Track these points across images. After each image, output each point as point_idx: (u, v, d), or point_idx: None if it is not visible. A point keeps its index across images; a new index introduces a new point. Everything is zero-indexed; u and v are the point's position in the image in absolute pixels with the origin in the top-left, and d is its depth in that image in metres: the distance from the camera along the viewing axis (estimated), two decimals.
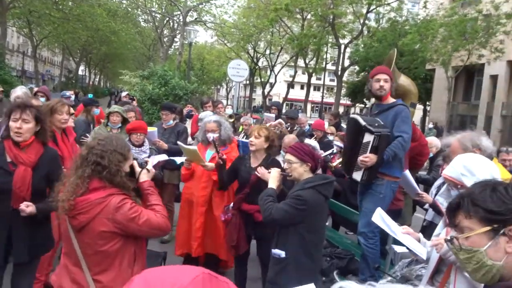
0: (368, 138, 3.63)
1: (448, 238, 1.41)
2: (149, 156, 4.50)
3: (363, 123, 3.63)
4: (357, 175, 3.78)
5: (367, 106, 36.56)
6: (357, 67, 33.27)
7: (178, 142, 4.27)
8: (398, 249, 2.79)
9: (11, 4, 23.46)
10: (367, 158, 3.61)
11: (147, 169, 2.44)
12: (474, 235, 1.29)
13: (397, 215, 4.33)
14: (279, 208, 2.80)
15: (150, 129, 5.18)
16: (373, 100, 4.34)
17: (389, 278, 2.93)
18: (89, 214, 2.12)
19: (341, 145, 5.56)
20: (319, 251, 3.11)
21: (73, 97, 9.34)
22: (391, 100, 3.88)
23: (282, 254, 2.86)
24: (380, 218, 2.40)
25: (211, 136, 4.19)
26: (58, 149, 3.59)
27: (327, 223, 5.41)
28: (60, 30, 29.32)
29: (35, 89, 7.39)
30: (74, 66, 46.48)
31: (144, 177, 2.41)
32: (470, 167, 2.12)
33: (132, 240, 2.24)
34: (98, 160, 2.16)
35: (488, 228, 1.27)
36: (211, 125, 4.24)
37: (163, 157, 4.35)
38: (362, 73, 31.15)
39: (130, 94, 11.13)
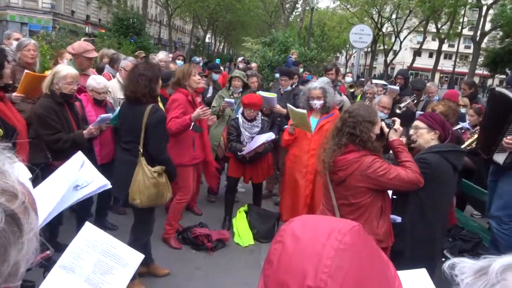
0: None
1: None
2: (261, 129, 4.65)
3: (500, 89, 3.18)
4: (499, 157, 3.36)
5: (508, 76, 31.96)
6: (501, 32, 29.03)
7: (288, 105, 4.24)
8: None
9: None
10: None
11: (395, 129, 2.70)
12: None
13: None
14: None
15: (270, 95, 5.33)
16: None
17: None
18: (347, 171, 2.53)
19: (469, 127, 5.00)
20: (440, 223, 2.92)
21: (201, 63, 10.00)
22: None
23: (398, 219, 2.79)
24: None
25: (316, 103, 4.14)
26: (194, 110, 3.92)
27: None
28: None
29: (170, 55, 8.11)
30: (202, 34, 49.56)
31: (393, 136, 2.70)
32: None
33: (381, 196, 2.61)
34: (351, 131, 2.54)
35: None
36: (316, 91, 4.16)
37: (270, 136, 4.48)
38: (507, 39, 27.12)
39: (245, 58, 11.49)
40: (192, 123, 3.91)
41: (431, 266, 1.84)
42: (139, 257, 1.44)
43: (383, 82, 7.01)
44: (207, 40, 51.78)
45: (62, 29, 24.51)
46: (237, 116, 4.76)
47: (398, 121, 2.76)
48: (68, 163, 1.85)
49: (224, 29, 48.53)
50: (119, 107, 3.81)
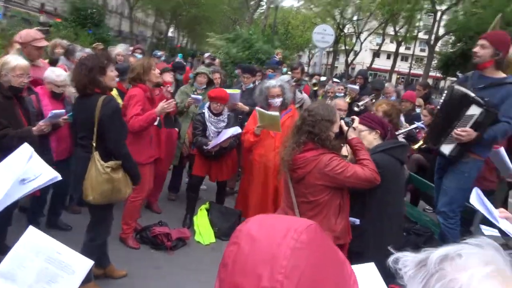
0: (474, 111, 3.27)
1: None
2: (227, 124, 4.62)
3: (472, 94, 3.28)
4: (446, 149, 3.49)
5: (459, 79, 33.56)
6: (453, 37, 30.43)
7: (257, 108, 4.24)
8: (485, 230, 2.60)
9: None
10: (465, 132, 3.29)
11: (354, 127, 2.75)
12: None
13: (486, 196, 4.02)
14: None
15: (233, 91, 5.29)
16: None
17: None
18: (305, 169, 2.57)
19: (423, 126, 5.20)
20: (397, 219, 3.01)
21: (163, 57, 9.78)
22: (495, 73, 3.40)
23: (357, 221, 2.85)
24: (478, 199, 2.20)
25: (276, 101, 4.16)
26: (153, 106, 3.84)
27: (405, 198, 5.22)
28: None
29: (130, 48, 7.89)
30: (165, 28, 48.56)
31: (352, 134, 2.74)
32: None
33: (339, 194, 2.67)
34: (310, 130, 2.59)
35: None
36: (276, 90, 4.19)
37: (237, 130, 4.44)
38: (459, 44, 28.44)
39: (211, 54, 11.38)
40: (158, 118, 3.81)
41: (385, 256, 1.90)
42: (88, 263, 1.35)
43: (355, 87, 7.14)
44: (170, 34, 50.82)
45: (14, 17, 23.28)
46: (203, 110, 4.70)
47: (357, 119, 2.82)
48: (14, 155, 1.72)
49: (188, 23, 47.76)
50: None
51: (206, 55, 10.52)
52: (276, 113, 4.06)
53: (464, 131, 3.30)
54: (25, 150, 1.75)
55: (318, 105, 2.79)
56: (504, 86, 3.32)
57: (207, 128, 4.62)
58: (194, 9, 36.86)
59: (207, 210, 4.77)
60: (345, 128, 2.73)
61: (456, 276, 0.67)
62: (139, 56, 7.16)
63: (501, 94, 3.30)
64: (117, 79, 3.31)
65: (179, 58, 8.06)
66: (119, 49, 6.84)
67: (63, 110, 3.56)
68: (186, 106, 5.13)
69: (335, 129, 2.66)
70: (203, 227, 4.56)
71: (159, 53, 9.73)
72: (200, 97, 5.12)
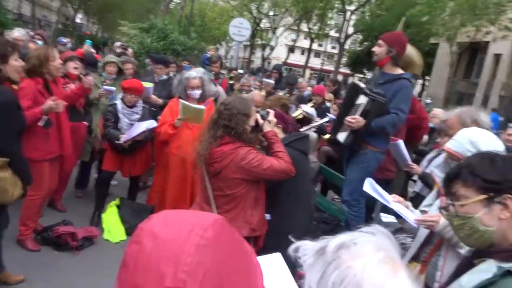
0: (362, 100, 3.57)
1: (443, 205, 1.48)
2: (142, 117, 4.43)
3: (362, 85, 3.59)
4: (341, 136, 3.75)
5: (366, 76, 36.17)
6: (361, 36, 32.63)
7: (181, 101, 4.05)
8: (384, 218, 2.81)
9: None
10: (354, 119, 3.56)
11: (269, 120, 2.76)
12: (470, 203, 1.36)
13: (385, 185, 4.35)
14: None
15: (146, 84, 5.06)
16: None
17: None
18: (222, 163, 2.58)
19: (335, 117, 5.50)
20: (306, 210, 3.11)
21: (69, 44, 9.08)
22: (393, 69, 3.71)
23: (267, 216, 2.89)
24: (371, 187, 2.40)
25: (196, 93, 4.09)
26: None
27: (316, 189, 5.48)
28: None
29: (31, 33, 7.19)
30: (72, 14, 45.12)
31: (267, 127, 2.76)
32: (477, 142, 2.04)
33: (255, 187, 2.69)
34: (226, 123, 2.59)
35: (484, 196, 1.34)
36: (196, 81, 4.12)
37: (152, 123, 4.27)
38: (366, 43, 30.57)
39: (123, 44, 10.84)
40: (44, 118, 3.40)
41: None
42: None
43: (270, 81, 7.25)
44: (78, 20, 47.39)
45: None
46: (115, 102, 4.44)
47: (272, 112, 2.86)
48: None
49: (98, 10, 44.97)
50: None
51: (118, 44, 9.98)
52: (202, 107, 3.97)
53: (353, 119, 3.57)
54: None
55: (234, 98, 2.80)
56: (398, 81, 3.63)
57: (120, 120, 4.38)
58: None
59: (118, 206, 4.54)
60: (261, 121, 2.75)
61: (352, 263, 0.70)
62: (40, 42, 6.55)
63: (394, 89, 3.61)
64: None
65: (87, 45, 7.45)
66: (17, 33, 6.18)
67: None
68: (96, 98, 4.80)
69: (251, 122, 2.68)
70: (112, 225, 4.33)
71: (64, 40, 8.98)
72: (113, 88, 4.83)
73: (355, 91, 3.64)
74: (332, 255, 0.73)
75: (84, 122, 4.66)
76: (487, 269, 1.28)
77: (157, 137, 4.37)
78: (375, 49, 3.71)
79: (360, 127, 3.57)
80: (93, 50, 7.57)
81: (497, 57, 24.37)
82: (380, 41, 3.69)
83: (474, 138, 2.08)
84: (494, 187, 1.32)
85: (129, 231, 4.35)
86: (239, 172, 2.58)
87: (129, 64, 5.82)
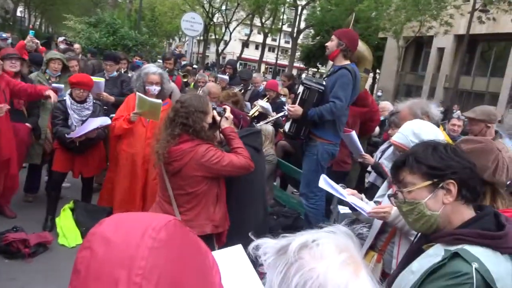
0: (300, 89, 3.79)
1: (392, 193, 1.54)
2: (93, 113, 4.27)
3: (303, 77, 3.83)
4: (286, 126, 3.94)
5: (319, 70, 36.98)
6: (312, 31, 33.24)
7: (137, 93, 3.90)
8: (342, 210, 2.91)
9: None
10: (292, 108, 3.75)
11: (226, 117, 2.75)
12: (416, 189, 1.43)
13: (342, 177, 4.51)
14: None
15: (96, 79, 4.87)
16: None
17: None
18: (182, 161, 2.56)
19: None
20: (259, 205, 3.12)
21: (10, 40, 8.57)
22: (342, 62, 3.84)
23: None
24: (326, 183, 2.49)
25: (155, 88, 4.01)
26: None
27: (275, 183, 5.55)
28: None
29: None
30: (11, 6, 42.47)
31: (225, 124, 2.75)
32: (419, 133, 2.19)
33: (216, 184, 2.69)
34: (184, 121, 2.56)
35: (429, 182, 1.40)
36: (155, 77, 3.99)
37: (106, 120, 4.13)
38: (318, 37, 31.19)
39: (68, 39, 10.34)
40: None
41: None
42: None
43: (225, 76, 7.23)
44: (18, 14, 44.73)
45: None
46: (64, 98, 4.25)
47: (228, 108, 2.85)
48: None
49: (40, 2, 42.69)
50: None
51: (61, 39, 9.51)
52: (159, 101, 3.85)
53: (292, 107, 3.77)
54: None
55: (190, 96, 2.77)
56: (339, 71, 3.78)
57: (70, 117, 4.19)
58: None
59: (72, 209, 4.37)
60: (218, 118, 2.75)
61: (314, 265, 0.70)
62: None
63: (335, 78, 3.77)
64: None
65: (31, 36, 7.07)
66: None
67: None
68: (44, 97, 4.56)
69: (209, 119, 2.67)
70: (67, 228, 4.16)
71: (4, 35, 8.45)
72: (61, 85, 4.62)
73: (299, 82, 3.92)
74: (294, 255, 0.73)
75: (27, 124, 4.43)
76: (436, 253, 1.36)
77: (111, 132, 4.21)
78: (328, 44, 3.88)
79: (298, 116, 3.74)
80: (37, 41, 7.14)
81: (441, 50, 25.76)
82: (332, 36, 3.88)
83: (417, 130, 2.24)
84: (437, 173, 1.38)
85: (85, 234, 4.18)
86: (200, 170, 2.57)
87: (74, 61, 5.58)
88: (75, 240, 4.11)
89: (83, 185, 4.64)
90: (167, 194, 2.68)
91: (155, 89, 3.97)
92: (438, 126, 2.92)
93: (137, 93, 3.94)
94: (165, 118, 2.71)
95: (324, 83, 3.81)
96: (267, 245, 0.78)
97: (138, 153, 3.95)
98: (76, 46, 9.23)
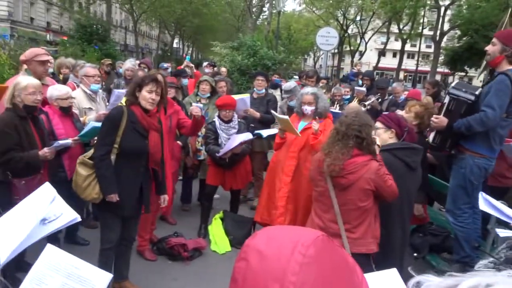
0: (446, 100, 3.55)
1: None
2: (238, 131, 4.64)
3: (452, 85, 3.58)
4: (431, 137, 3.71)
5: (468, 74, 33.31)
6: (458, 32, 30.23)
7: (272, 111, 4.24)
8: (501, 233, 2.57)
9: None
10: (437, 119, 3.50)
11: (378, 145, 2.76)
12: None
13: (500, 194, 3.97)
14: None
15: (237, 96, 5.24)
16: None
17: (491, 259, 2.73)
18: (357, 174, 2.59)
19: None
20: (400, 222, 2.97)
21: (170, 68, 9.88)
22: (504, 67, 3.42)
23: None
24: (487, 203, 2.21)
25: (307, 109, 4.09)
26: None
27: None
28: (157, 4, 31.15)
29: (137, 61, 7.98)
30: (169, 39, 49.03)
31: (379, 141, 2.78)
32: None
33: (376, 201, 2.70)
34: (357, 134, 2.61)
35: None
36: (308, 97, 4.08)
37: (248, 136, 4.44)
38: (464, 38, 28.22)
39: (211, 62, 11.40)
40: None
41: (393, 264, 1.82)
42: (107, 277, 1.39)
43: (362, 89, 7.16)
44: (174, 45, 51.29)
45: (22, 37, 23.67)
46: (214, 120, 4.74)
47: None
48: (36, 195, 1.71)
49: (192, 33, 48.17)
50: (90, 123, 3.71)
51: (205, 63, 10.54)
52: (285, 117, 4.04)
53: (436, 118, 3.51)
54: (48, 191, 1.72)
55: (355, 110, 2.86)
56: (497, 77, 3.38)
57: (219, 136, 4.65)
58: (197, 19, 37.15)
59: (221, 219, 4.80)
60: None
61: None
62: (146, 70, 7.24)
63: (491, 85, 3.39)
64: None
65: (187, 61, 8.29)
66: (128, 64, 6.93)
67: (68, 141, 3.56)
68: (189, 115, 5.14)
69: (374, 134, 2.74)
70: (218, 236, 4.58)
71: (165, 65, 9.79)
72: (201, 105, 5.14)
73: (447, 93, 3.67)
74: None
75: (178, 142, 5.01)
76: None
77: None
78: (488, 48, 3.50)
79: (442, 127, 3.50)
80: (191, 65, 8.23)
81: None
82: (494, 40, 3.47)
83: None
84: None
85: (233, 243, 4.56)
86: (371, 184, 2.59)
87: (223, 82, 6.13)
88: (225, 248, 4.49)
89: (231, 197, 5.04)
90: (331, 211, 2.68)
91: (307, 109, 4.03)
92: None
93: (272, 111, 4.26)
94: (333, 132, 2.76)
95: (477, 92, 3.44)
96: (430, 283, 0.69)
97: (279, 165, 4.11)
98: (223, 69, 10.14)
